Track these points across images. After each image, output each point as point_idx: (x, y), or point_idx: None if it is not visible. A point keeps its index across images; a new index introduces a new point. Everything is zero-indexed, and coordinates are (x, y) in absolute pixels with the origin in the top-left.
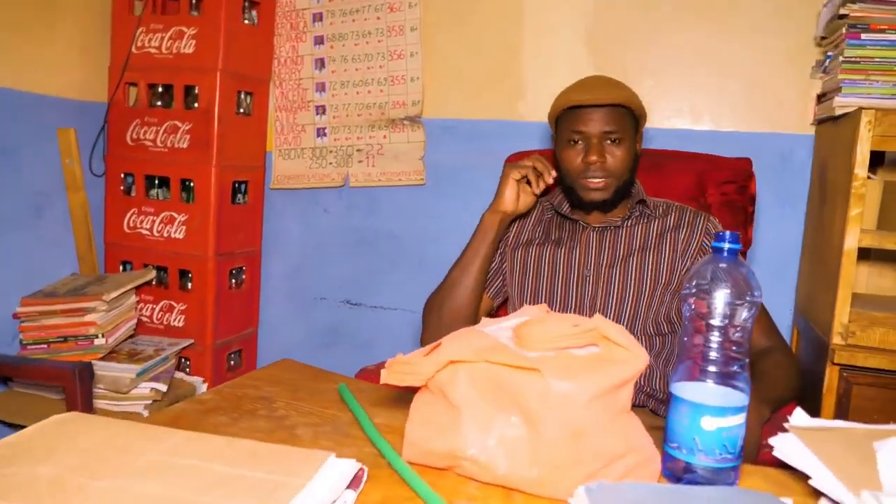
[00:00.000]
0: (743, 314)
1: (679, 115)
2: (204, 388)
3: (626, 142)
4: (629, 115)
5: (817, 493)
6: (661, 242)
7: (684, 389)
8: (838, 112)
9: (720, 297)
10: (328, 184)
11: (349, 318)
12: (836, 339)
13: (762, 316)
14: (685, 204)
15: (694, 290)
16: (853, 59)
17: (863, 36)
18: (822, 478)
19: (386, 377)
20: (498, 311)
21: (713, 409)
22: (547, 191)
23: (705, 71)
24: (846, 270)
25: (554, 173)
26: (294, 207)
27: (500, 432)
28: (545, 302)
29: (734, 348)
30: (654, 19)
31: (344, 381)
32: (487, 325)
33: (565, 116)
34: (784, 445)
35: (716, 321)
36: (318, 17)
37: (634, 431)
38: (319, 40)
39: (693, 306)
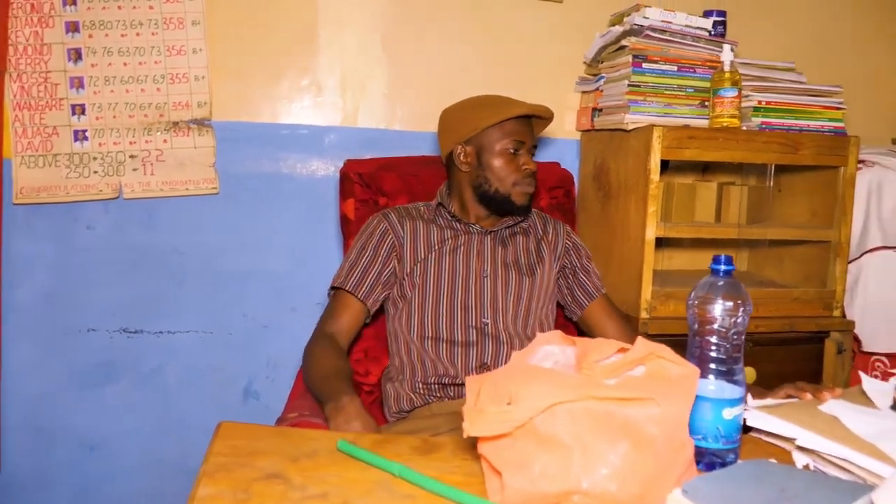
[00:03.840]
0: (739, 321)
1: None
2: None
3: None
4: None
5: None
6: (540, 247)
7: (700, 388)
8: (630, 127)
9: (720, 309)
10: (94, 196)
11: (128, 349)
12: (643, 315)
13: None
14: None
15: (697, 303)
16: (636, 83)
17: (644, 65)
18: (807, 438)
19: (474, 430)
20: (375, 317)
21: (730, 401)
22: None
23: (482, 75)
24: (648, 257)
25: None
26: (45, 225)
27: (611, 461)
28: (447, 303)
29: (733, 349)
30: (440, 26)
31: (304, 434)
32: (531, 358)
33: (505, 126)
34: (758, 421)
35: (718, 329)
36: (69, 1)
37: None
38: (73, 27)
39: (698, 317)
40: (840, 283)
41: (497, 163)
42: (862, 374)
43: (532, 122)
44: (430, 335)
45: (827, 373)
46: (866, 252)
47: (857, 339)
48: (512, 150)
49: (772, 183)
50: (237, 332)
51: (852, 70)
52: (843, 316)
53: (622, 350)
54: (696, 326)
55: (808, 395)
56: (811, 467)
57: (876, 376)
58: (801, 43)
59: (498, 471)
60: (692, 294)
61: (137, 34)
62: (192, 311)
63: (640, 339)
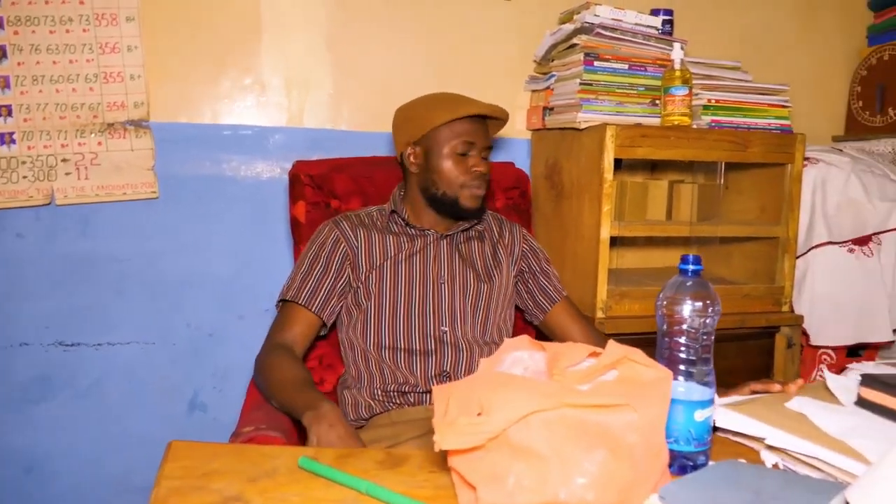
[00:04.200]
0: (708, 322)
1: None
2: None
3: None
4: None
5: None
6: (497, 251)
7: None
8: (583, 126)
9: (689, 309)
10: (23, 202)
11: (65, 363)
12: (599, 314)
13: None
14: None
15: (666, 304)
16: (588, 81)
17: (595, 63)
18: (777, 437)
19: (446, 443)
20: (331, 329)
21: (701, 403)
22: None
23: (429, 74)
24: (603, 256)
25: None
26: None
27: (588, 470)
28: (404, 312)
29: (703, 350)
30: (385, 25)
31: (260, 449)
32: (499, 365)
33: (455, 126)
34: (728, 421)
35: (688, 329)
36: None
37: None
38: None
39: (667, 318)
40: (789, 278)
41: (445, 165)
42: (826, 371)
43: (487, 122)
44: (387, 345)
45: (777, 367)
46: (813, 247)
47: (805, 333)
48: (461, 152)
49: (722, 180)
50: (181, 342)
51: (794, 69)
52: (792, 311)
53: (593, 354)
54: (665, 327)
55: (777, 386)
56: (780, 466)
57: (822, 369)
58: (744, 42)
59: (471, 484)
60: (660, 295)
61: (67, 31)
62: (133, 322)
63: (611, 343)
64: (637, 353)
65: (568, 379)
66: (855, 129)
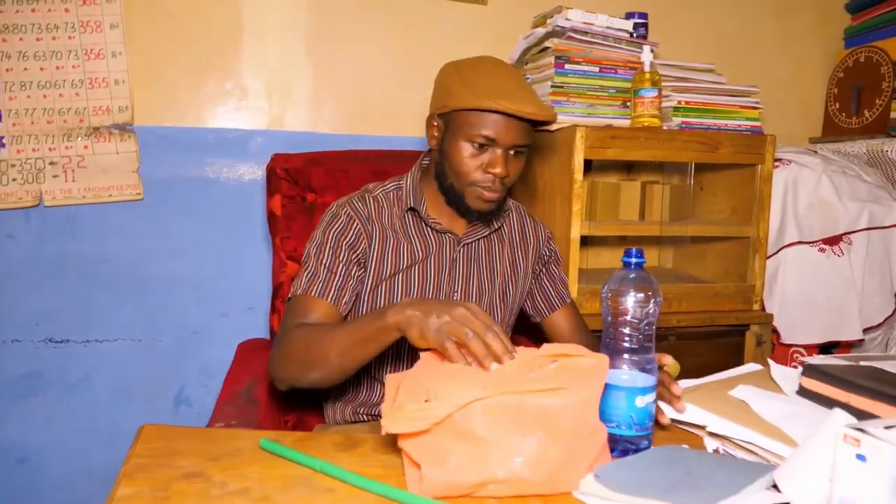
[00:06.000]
0: (650, 312)
1: (385, 121)
2: None
3: (526, 155)
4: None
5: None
6: (516, 259)
7: (613, 376)
8: (554, 128)
9: (632, 300)
10: (13, 204)
11: (55, 359)
12: None
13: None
14: None
15: (610, 296)
16: (559, 84)
17: (566, 66)
18: (716, 424)
19: (393, 427)
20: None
21: (643, 389)
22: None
23: (407, 77)
24: (573, 255)
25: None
26: None
27: (525, 450)
28: None
29: (645, 339)
30: (364, 29)
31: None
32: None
33: (474, 113)
34: (671, 409)
35: (631, 319)
36: None
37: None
38: None
39: (611, 309)
40: (759, 277)
41: (457, 153)
42: (770, 362)
43: (527, 124)
44: (383, 364)
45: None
46: (784, 247)
47: (776, 332)
48: (478, 145)
49: (692, 181)
50: (167, 340)
51: (773, 71)
52: (763, 309)
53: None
54: (609, 318)
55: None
56: (721, 451)
57: (795, 367)
58: (722, 45)
59: (416, 463)
60: (605, 287)
61: (54, 38)
62: (120, 319)
63: (546, 345)
64: (575, 348)
65: (512, 369)
66: (832, 131)
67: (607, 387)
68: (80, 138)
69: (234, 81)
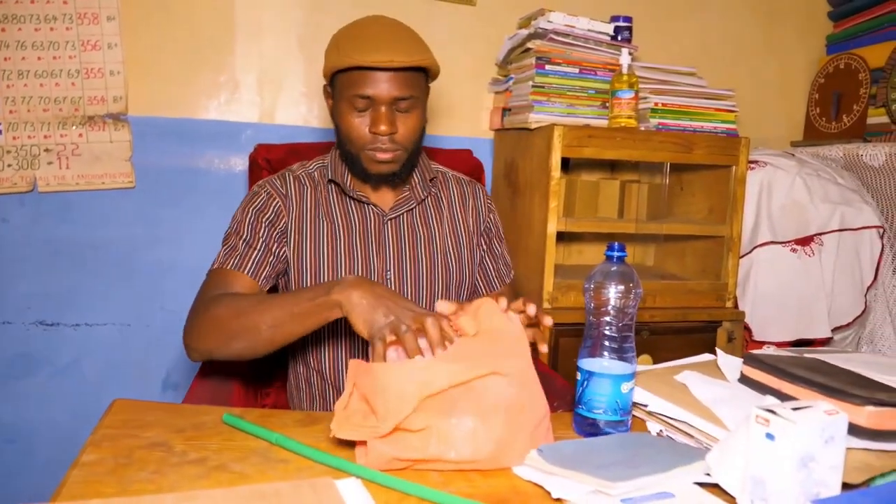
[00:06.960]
0: (630, 303)
1: None
2: None
3: (419, 109)
4: (423, 77)
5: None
6: (456, 224)
7: (596, 365)
8: (533, 126)
9: (614, 292)
10: (8, 189)
11: (45, 342)
12: (546, 304)
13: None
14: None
15: (593, 287)
16: (540, 84)
17: (547, 67)
18: (657, 404)
19: (341, 433)
20: None
21: (626, 376)
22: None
23: None
24: (549, 250)
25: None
26: None
27: (465, 429)
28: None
29: (625, 329)
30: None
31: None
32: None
33: (347, 75)
34: None
35: (612, 310)
36: None
37: (542, 394)
38: None
39: (594, 300)
40: (732, 275)
41: (342, 117)
42: (718, 350)
43: (404, 73)
44: (314, 367)
45: None
46: (757, 246)
47: (749, 329)
48: (360, 109)
49: (668, 181)
50: (155, 325)
51: (757, 76)
52: (736, 307)
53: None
54: (592, 308)
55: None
56: (663, 434)
57: None
58: (710, 50)
59: (363, 442)
60: (588, 279)
61: (51, 29)
62: (110, 304)
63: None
64: (488, 302)
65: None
66: (812, 135)
67: (593, 375)
68: (74, 127)
69: (227, 75)
